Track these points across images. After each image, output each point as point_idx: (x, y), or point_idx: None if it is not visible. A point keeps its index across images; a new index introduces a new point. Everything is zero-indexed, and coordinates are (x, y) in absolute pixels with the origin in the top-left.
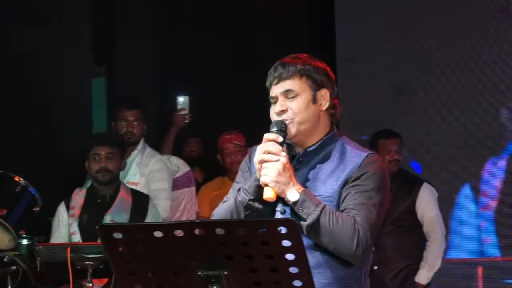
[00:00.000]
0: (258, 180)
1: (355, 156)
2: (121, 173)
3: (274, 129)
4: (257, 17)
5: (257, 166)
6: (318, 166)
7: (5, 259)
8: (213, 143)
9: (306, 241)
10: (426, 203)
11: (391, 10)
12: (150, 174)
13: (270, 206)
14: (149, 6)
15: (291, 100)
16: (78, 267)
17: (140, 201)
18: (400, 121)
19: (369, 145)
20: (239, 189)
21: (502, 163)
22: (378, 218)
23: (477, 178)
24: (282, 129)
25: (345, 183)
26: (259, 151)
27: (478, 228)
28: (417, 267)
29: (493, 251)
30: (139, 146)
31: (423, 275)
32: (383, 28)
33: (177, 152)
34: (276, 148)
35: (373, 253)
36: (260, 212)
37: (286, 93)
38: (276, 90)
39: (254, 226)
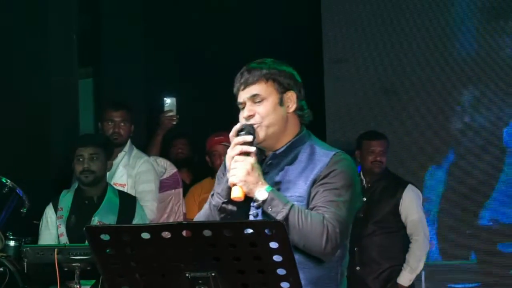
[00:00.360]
0: None
1: (323, 155)
2: (108, 174)
3: (243, 132)
4: (244, 18)
5: (228, 164)
6: (287, 167)
7: None
8: (201, 144)
9: None
10: (410, 205)
11: (378, 10)
12: (137, 175)
13: (244, 209)
14: (136, 6)
15: (258, 105)
16: (66, 269)
17: (128, 202)
18: (387, 122)
19: (356, 144)
20: (212, 194)
21: (442, 170)
22: (348, 215)
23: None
24: (250, 132)
25: (314, 183)
26: (229, 152)
27: None
28: (400, 269)
29: (435, 255)
30: (126, 148)
31: (405, 277)
32: (370, 28)
33: (164, 153)
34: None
35: (355, 253)
36: (234, 215)
37: (253, 98)
38: (243, 95)
39: (241, 227)
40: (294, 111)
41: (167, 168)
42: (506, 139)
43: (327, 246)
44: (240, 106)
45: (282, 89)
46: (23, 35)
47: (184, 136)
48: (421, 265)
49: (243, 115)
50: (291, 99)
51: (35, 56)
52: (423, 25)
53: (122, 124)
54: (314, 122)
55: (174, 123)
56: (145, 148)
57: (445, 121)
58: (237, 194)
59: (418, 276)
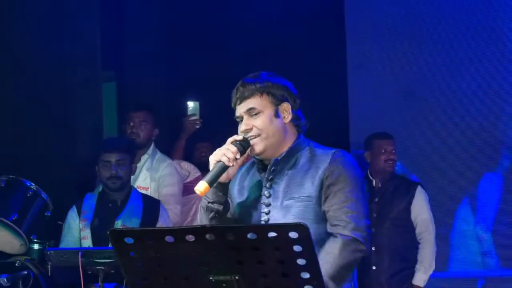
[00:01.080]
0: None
1: (323, 155)
2: (131, 177)
3: (238, 143)
4: (268, 22)
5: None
6: (290, 171)
7: (16, 264)
8: None
9: None
10: (421, 205)
11: (401, 16)
12: (161, 179)
13: (255, 209)
14: (159, 10)
15: (255, 118)
16: (89, 272)
17: (151, 205)
18: (408, 127)
19: (364, 146)
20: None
21: (497, 176)
22: (361, 205)
23: (474, 192)
24: (245, 147)
25: (321, 182)
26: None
27: (478, 242)
28: (413, 271)
29: (493, 264)
30: (149, 151)
31: (420, 278)
32: (393, 33)
33: (188, 157)
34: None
35: (372, 253)
36: (220, 213)
37: (249, 112)
38: (240, 110)
39: (265, 231)
40: (290, 121)
41: (191, 171)
42: None
43: (362, 246)
44: (238, 120)
45: (277, 101)
46: (46, 38)
47: (208, 140)
48: (433, 265)
49: (240, 129)
50: (287, 110)
51: (59, 59)
52: (474, 26)
53: (142, 125)
54: (338, 125)
55: (198, 127)
56: (168, 151)
57: (494, 126)
58: (199, 187)
59: (474, 286)
